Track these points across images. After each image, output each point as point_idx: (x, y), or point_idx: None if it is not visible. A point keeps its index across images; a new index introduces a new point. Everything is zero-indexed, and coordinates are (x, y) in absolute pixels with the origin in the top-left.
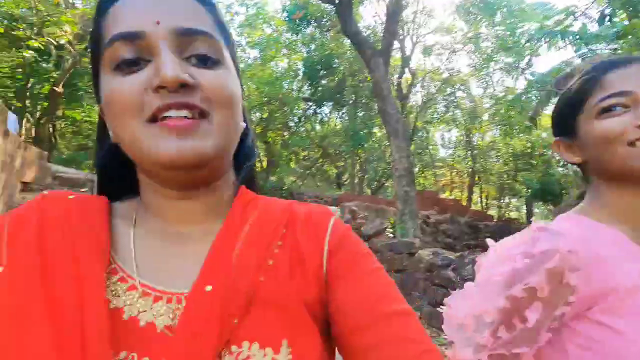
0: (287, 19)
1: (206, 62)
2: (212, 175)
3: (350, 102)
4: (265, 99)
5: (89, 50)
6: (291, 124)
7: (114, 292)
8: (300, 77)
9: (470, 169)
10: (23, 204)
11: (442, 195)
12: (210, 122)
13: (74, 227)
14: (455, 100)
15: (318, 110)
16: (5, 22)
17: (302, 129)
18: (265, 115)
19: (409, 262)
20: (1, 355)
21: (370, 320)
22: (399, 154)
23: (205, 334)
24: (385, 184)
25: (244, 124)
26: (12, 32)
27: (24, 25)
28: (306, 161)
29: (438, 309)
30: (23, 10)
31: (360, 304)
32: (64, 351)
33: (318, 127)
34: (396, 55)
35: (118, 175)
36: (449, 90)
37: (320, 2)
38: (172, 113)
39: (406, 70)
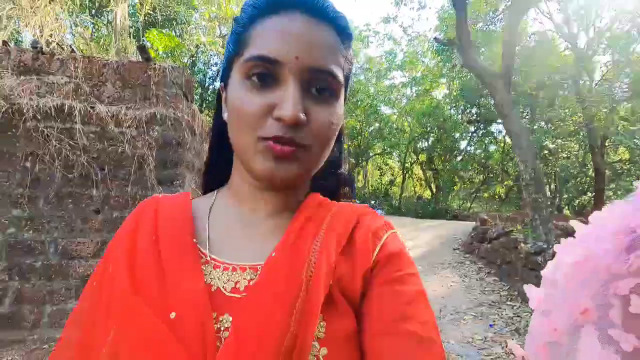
0: (439, 47)
1: (324, 95)
2: (293, 186)
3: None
4: (427, 129)
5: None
6: (457, 148)
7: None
8: (460, 101)
9: None
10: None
11: None
12: (308, 152)
13: (172, 223)
14: None
15: (482, 131)
16: None
17: (470, 151)
18: (428, 144)
19: (514, 254)
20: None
21: (390, 331)
22: (524, 164)
23: (280, 293)
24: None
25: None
26: None
27: None
28: (471, 183)
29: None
30: None
31: (389, 314)
32: (184, 327)
33: (479, 150)
34: None
35: (221, 156)
36: None
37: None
38: (279, 142)
39: None
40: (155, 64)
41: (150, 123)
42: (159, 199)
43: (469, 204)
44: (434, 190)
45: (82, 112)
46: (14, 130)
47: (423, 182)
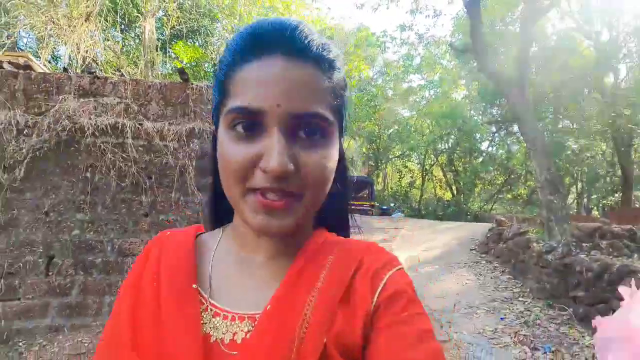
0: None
1: (314, 137)
2: (293, 232)
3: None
4: (446, 131)
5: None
6: (478, 149)
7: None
8: (480, 102)
9: None
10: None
11: None
12: (300, 202)
13: (174, 264)
14: None
15: (504, 132)
16: None
17: (492, 152)
18: (448, 146)
19: (526, 254)
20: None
21: None
22: (539, 168)
23: (272, 350)
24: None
25: (332, 175)
26: None
27: None
28: (492, 184)
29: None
30: None
31: (392, 358)
32: None
33: (501, 150)
34: None
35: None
36: None
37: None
38: (270, 196)
39: None
40: (192, 84)
41: (189, 136)
42: (165, 237)
43: (490, 206)
44: (455, 191)
45: (132, 129)
46: (76, 145)
47: (444, 183)
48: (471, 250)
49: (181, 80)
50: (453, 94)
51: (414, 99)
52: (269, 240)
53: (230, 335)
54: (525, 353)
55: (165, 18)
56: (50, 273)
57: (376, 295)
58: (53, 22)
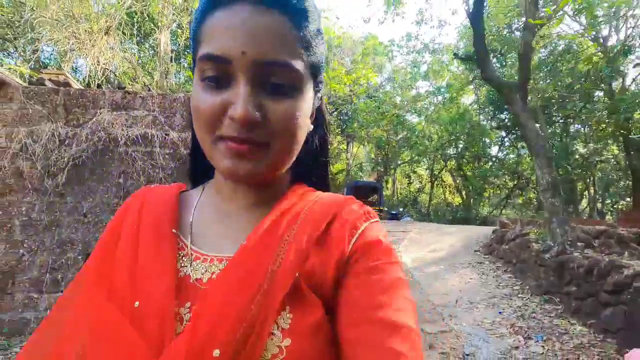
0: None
1: (281, 89)
2: (266, 180)
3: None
4: (455, 136)
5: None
6: (487, 154)
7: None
8: (488, 107)
9: None
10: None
11: None
12: (268, 150)
13: (155, 213)
14: None
15: (513, 136)
16: None
17: (501, 156)
18: (457, 151)
19: (527, 254)
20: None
21: (364, 320)
22: (541, 170)
23: (244, 282)
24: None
25: (310, 127)
26: None
27: None
28: (501, 189)
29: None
30: None
31: (364, 304)
32: (144, 304)
33: (511, 155)
34: None
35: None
36: None
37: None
38: (235, 141)
39: None
40: None
41: None
42: (149, 189)
43: (499, 210)
44: (464, 196)
45: (159, 138)
46: (110, 154)
47: (453, 188)
48: (475, 251)
49: None
50: (462, 100)
51: (422, 105)
52: (245, 190)
53: (209, 275)
54: (519, 342)
55: (179, 30)
56: None
57: (352, 242)
58: (75, 37)
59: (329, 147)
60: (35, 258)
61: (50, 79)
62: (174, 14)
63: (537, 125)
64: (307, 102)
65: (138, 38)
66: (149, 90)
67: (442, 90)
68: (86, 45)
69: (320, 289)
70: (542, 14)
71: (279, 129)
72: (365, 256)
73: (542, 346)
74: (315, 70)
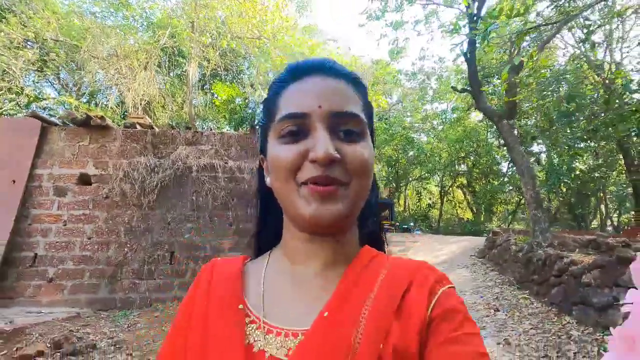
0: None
1: (352, 136)
2: (341, 228)
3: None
4: (463, 154)
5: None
6: (496, 170)
7: (247, 333)
8: (494, 127)
9: None
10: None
11: None
12: (347, 189)
13: (222, 288)
14: None
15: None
16: None
17: (510, 173)
18: (467, 167)
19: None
20: None
21: None
22: (525, 187)
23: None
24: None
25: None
26: None
27: None
28: (508, 204)
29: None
30: None
31: None
32: None
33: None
34: None
35: (269, 220)
36: None
37: (458, 92)
38: (319, 181)
39: None
40: (257, 132)
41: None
42: (215, 262)
43: (507, 224)
44: (474, 211)
45: (221, 167)
46: (185, 178)
47: (463, 204)
48: (471, 256)
49: (249, 132)
50: (470, 118)
51: (430, 125)
52: (319, 248)
53: (285, 351)
54: (490, 313)
55: (206, 62)
56: (172, 263)
57: (430, 308)
58: (119, 73)
59: (377, 206)
60: (135, 255)
61: (138, 122)
62: (201, 49)
63: (522, 148)
64: (372, 152)
65: (168, 69)
66: (211, 129)
67: (448, 112)
68: (128, 78)
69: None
70: (525, 54)
71: (355, 167)
72: (446, 323)
73: (506, 314)
74: (371, 127)
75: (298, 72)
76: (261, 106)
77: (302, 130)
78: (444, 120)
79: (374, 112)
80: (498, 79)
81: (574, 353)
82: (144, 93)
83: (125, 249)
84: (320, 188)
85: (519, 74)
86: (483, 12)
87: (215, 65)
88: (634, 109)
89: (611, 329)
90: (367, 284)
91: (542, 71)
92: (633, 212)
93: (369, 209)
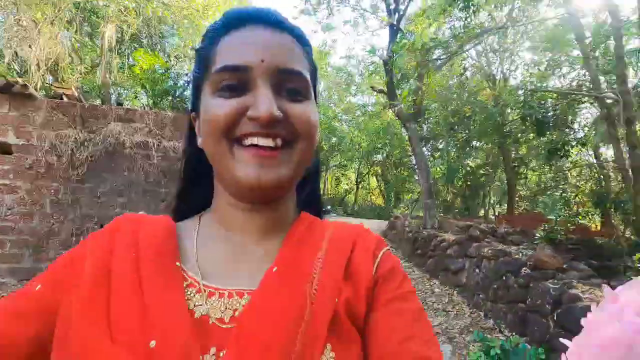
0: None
1: (296, 96)
2: (280, 195)
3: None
4: (379, 145)
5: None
6: (407, 162)
7: (187, 298)
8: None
9: None
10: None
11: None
12: (291, 152)
13: (155, 245)
14: None
15: (430, 147)
16: None
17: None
18: (382, 157)
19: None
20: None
21: (396, 352)
22: (421, 180)
23: (280, 315)
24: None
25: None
26: None
27: None
28: (415, 193)
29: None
30: None
31: (394, 335)
32: (159, 353)
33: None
34: None
35: (196, 183)
36: None
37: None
38: (260, 141)
39: None
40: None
41: None
42: (140, 217)
43: (411, 210)
44: (386, 198)
45: (154, 145)
46: (118, 154)
47: (377, 191)
48: None
49: (183, 113)
50: (387, 112)
51: (352, 115)
52: (256, 217)
53: (230, 313)
54: None
55: (125, 25)
56: None
57: (374, 270)
58: (20, 25)
59: (319, 175)
60: (62, 227)
61: (65, 94)
62: (119, 11)
63: (429, 145)
64: (317, 113)
65: (82, 31)
66: (144, 108)
67: (368, 106)
68: (31, 34)
69: (355, 321)
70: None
71: (301, 127)
72: (389, 283)
73: None
74: (314, 86)
75: (239, 19)
76: (194, 56)
77: (242, 85)
78: (364, 112)
79: (318, 73)
80: (415, 79)
81: (432, 302)
82: (49, 51)
83: (52, 221)
84: (261, 151)
85: (422, 82)
86: (402, 23)
87: (136, 30)
88: (490, 129)
89: (566, 342)
90: (314, 242)
91: (437, 89)
92: (506, 205)
93: (310, 174)
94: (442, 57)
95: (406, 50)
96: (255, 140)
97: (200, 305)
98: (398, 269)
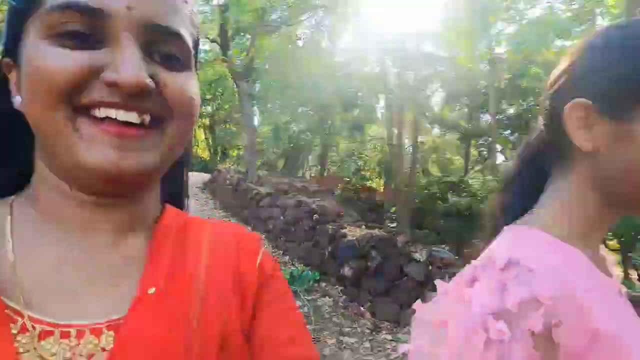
0: None
1: (172, 62)
2: (143, 188)
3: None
4: (209, 97)
5: None
6: (232, 118)
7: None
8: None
9: None
10: None
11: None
12: (163, 132)
13: None
14: None
15: (258, 106)
16: None
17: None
18: (212, 110)
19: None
20: None
21: (282, 357)
22: (246, 136)
23: (161, 342)
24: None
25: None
26: None
27: None
28: (240, 150)
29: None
30: None
31: (277, 340)
32: None
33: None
34: None
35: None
36: None
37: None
38: (120, 115)
39: None
40: None
41: None
42: None
43: (236, 165)
44: (212, 152)
45: None
46: None
47: (203, 144)
48: (196, 187)
49: None
50: (224, 65)
51: None
52: (110, 213)
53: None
54: None
55: None
56: None
57: (257, 273)
58: None
59: (190, 158)
60: None
61: None
62: None
63: (256, 107)
64: (198, 86)
65: None
66: None
67: (202, 52)
68: None
69: (246, 334)
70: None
71: (176, 103)
72: (270, 286)
73: None
74: (195, 53)
75: None
76: None
77: (96, 36)
78: (199, 59)
79: (199, 40)
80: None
81: None
82: None
83: None
84: (121, 128)
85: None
86: None
87: None
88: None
89: (412, 320)
90: (192, 248)
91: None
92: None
93: (182, 159)
94: (277, 22)
95: (242, 6)
96: (112, 113)
97: (28, 352)
98: (277, 270)
